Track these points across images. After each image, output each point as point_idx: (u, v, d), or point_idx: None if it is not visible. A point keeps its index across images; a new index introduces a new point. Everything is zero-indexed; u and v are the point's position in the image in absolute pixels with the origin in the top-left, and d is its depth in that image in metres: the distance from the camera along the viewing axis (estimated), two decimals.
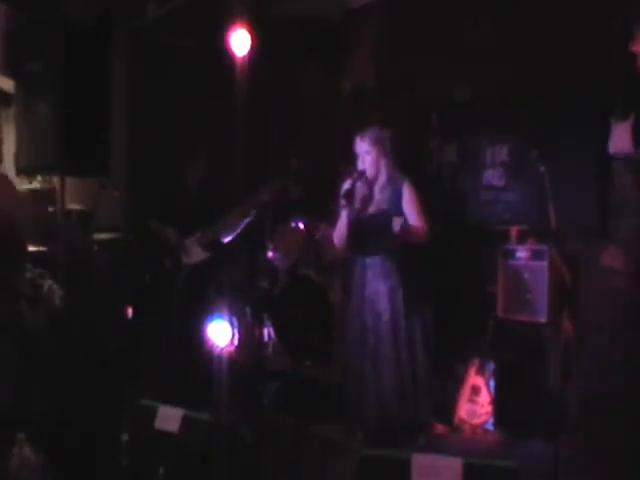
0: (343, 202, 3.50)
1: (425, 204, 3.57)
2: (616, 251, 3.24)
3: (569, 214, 3.71)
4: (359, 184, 3.55)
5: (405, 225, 3.35)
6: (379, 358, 3.46)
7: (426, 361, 3.46)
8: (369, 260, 3.54)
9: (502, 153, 4.33)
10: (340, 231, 3.61)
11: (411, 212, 3.47)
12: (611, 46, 3.49)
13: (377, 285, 3.50)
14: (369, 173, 3.55)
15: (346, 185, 3.49)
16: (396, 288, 3.47)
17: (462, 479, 2.14)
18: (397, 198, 3.51)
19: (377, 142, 3.55)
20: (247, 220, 4.30)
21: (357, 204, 3.58)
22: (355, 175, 3.52)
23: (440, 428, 3.85)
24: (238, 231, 4.33)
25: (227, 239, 4.35)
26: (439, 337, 3.53)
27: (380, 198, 3.56)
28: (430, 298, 3.56)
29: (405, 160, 3.83)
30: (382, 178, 3.55)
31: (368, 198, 3.59)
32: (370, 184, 3.58)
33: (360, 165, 3.57)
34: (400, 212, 3.45)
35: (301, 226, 4.88)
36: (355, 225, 3.56)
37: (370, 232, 3.53)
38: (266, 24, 4.58)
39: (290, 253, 4.76)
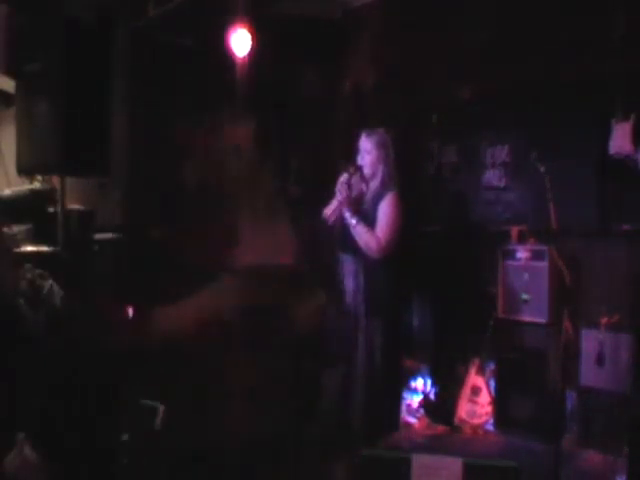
0: (338, 195, 3.49)
1: (417, 212, 3.58)
2: None
3: (569, 214, 3.71)
4: (355, 179, 3.55)
5: (358, 228, 3.38)
6: (343, 357, 3.48)
7: (383, 363, 3.44)
8: (343, 256, 3.58)
9: (502, 153, 4.33)
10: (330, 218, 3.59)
11: (381, 221, 3.46)
12: (611, 46, 3.50)
13: (348, 282, 3.53)
14: (366, 172, 3.55)
15: (342, 178, 3.50)
16: (359, 287, 3.47)
17: (462, 479, 2.14)
18: (378, 203, 3.51)
19: (380, 146, 3.56)
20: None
21: (352, 197, 3.57)
22: (352, 169, 3.52)
23: (440, 428, 3.84)
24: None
25: None
26: (440, 337, 3.53)
27: (369, 199, 3.57)
28: (395, 300, 3.56)
29: (405, 160, 3.83)
30: (376, 182, 3.56)
31: (363, 195, 3.60)
32: (366, 182, 3.59)
33: (359, 160, 3.58)
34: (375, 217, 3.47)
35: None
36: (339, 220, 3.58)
37: (343, 229, 3.55)
38: (266, 24, 4.58)
39: None
